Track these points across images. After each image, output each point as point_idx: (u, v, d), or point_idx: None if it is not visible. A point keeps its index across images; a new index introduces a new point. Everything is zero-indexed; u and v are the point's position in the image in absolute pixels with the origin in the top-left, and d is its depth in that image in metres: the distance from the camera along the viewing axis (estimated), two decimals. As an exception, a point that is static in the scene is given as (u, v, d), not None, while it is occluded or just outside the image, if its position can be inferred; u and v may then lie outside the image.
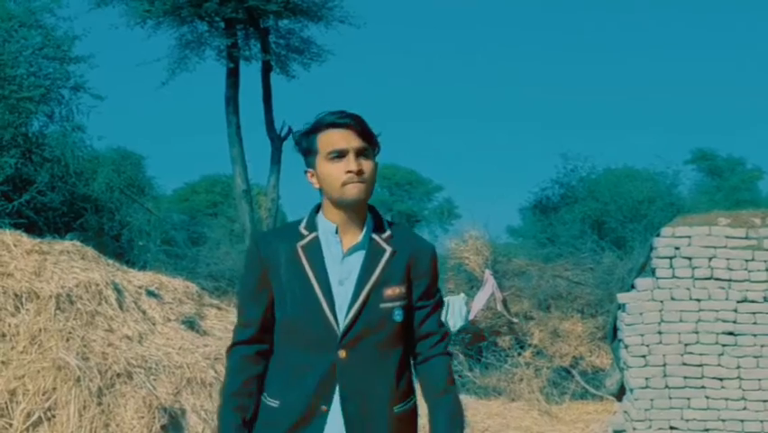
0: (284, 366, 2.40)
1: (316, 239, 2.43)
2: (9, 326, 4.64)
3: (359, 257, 2.42)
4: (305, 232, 2.45)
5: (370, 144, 2.43)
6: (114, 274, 5.87)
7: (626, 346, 6.93)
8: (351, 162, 2.36)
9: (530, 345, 11.22)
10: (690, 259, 6.82)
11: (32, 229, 9.20)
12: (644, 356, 6.79)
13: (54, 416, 4.28)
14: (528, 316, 11.62)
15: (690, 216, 7.38)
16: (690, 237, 6.84)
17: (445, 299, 10.71)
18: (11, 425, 4.16)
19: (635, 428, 6.74)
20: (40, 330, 4.70)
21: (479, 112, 61.57)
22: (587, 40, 59.12)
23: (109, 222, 14.50)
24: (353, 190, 2.37)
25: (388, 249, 2.43)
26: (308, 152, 2.45)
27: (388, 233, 2.47)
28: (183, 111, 57.20)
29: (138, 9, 15.84)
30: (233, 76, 17.22)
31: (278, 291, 2.40)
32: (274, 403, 2.39)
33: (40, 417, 4.23)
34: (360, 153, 2.40)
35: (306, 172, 2.50)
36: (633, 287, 7.03)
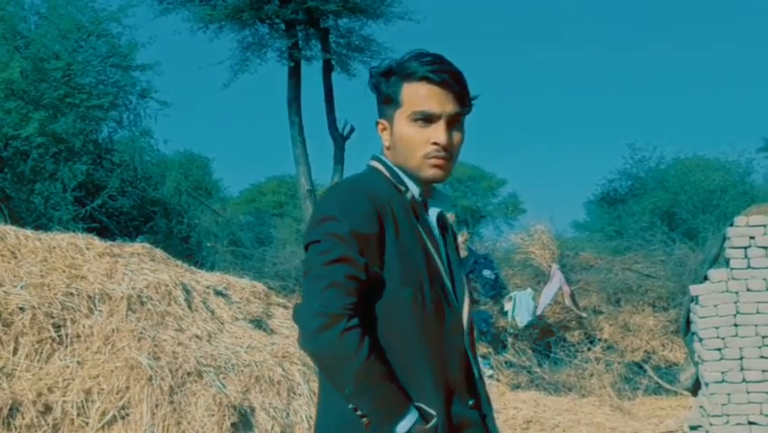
0: (413, 358, 1.86)
1: (413, 197, 1.96)
2: (83, 327, 4.77)
3: (439, 230, 2.01)
4: (401, 187, 1.96)
5: (464, 107, 1.96)
6: (182, 275, 5.98)
7: (701, 340, 6.74)
8: (440, 132, 1.90)
9: (600, 340, 11.02)
10: (765, 248, 6.59)
11: (104, 233, 9.48)
12: (719, 350, 6.59)
13: (128, 414, 4.37)
14: (597, 310, 11.42)
15: (764, 204, 7.12)
16: (765, 226, 6.60)
17: (512, 294, 10.61)
18: (87, 423, 4.27)
19: (711, 424, 6.55)
20: (112, 331, 4.81)
21: (540, 104, 60.83)
22: (649, 26, 57.81)
23: (178, 225, 14.83)
24: (435, 168, 1.93)
25: (450, 224, 2.09)
26: (387, 101, 1.97)
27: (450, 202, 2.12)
28: (247, 113, 58.04)
29: (200, 14, 16.15)
30: (294, 76, 17.40)
31: (397, 258, 1.85)
32: None
33: (114, 415, 4.33)
34: (452, 121, 1.93)
35: (377, 123, 2.03)
36: (706, 278, 6.83)
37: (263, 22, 17.12)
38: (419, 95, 1.91)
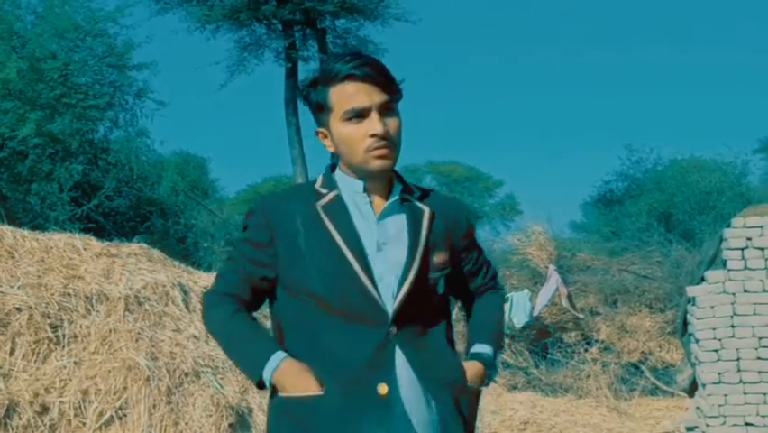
0: (316, 349, 1.95)
1: (339, 198, 2.02)
2: (81, 327, 4.75)
3: (396, 220, 2.02)
4: (323, 190, 2.04)
5: (394, 96, 2.00)
6: (179, 275, 5.96)
7: (698, 341, 6.75)
8: (375, 123, 1.95)
9: (597, 341, 11.02)
10: (762, 250, 6.60)
11: (100, 233, 9.45)
12: (716, 351, 6.60)
13: (125, 415, 4.36)
14: (594, 311, 11.42)
15: (761, 206, 7.14)
16: (762, 227, 6.61)
17: (509, 296, 10.57)
18: (84, 424, 4.26)
19: (708, 425, 6.56)
20: (110, 331, 4.80)
21: (537, 105, 60.90)
22: (646, 27, 57.89)
23: (174, 225, 14.81)
24: (379, 160, 1.97)
25: (426, 209, 2.05)
26: (319, 108, 2.03)
27: (417, 193, 2.08)
28: (244, 113, 58.03)
29: (197, 14, 16.16)
30: (291, 77, 17.40)
31: (296, 265, 1.97)
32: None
33: (111, 416, 4.32)
34: (384, 110, 1.97)
35: (317, 133, 2.09)
36: (703, 280, 6.83)
37: (260, 22, 17.13)
38: (347, 93, 1.96)
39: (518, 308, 10.40)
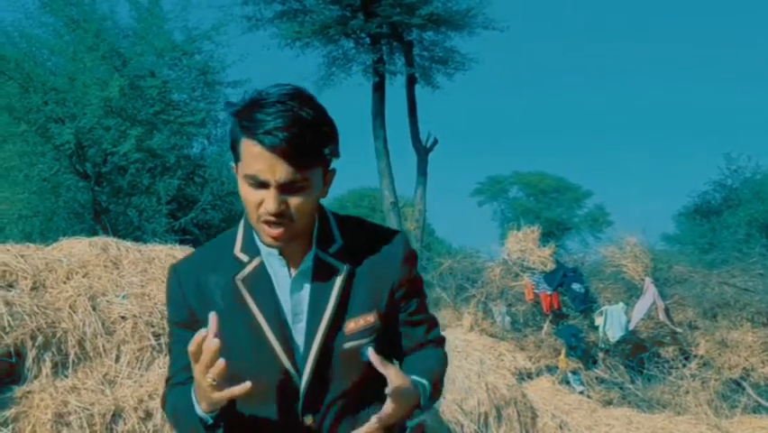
0: (237, 424, 1.79)
1: (261, 267, 1.82)
2: (181, 336, 4.88)
3: (307, 287, 1.82)
4: (243, 257, 1.83)
5: (306, 170, 1.71)
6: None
7: (808, 357, 6.45)
8: (269, 200, 1.69)
9: (696, 356, 10.64)
10: None
11: (195, 245, 9.70)
12: (828, 368, 6.29)
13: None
14: (693, 325, 11.02)
15: None
16: None
17: (603, 309, 10.33)
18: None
19: (820, 446, 6.25)
20: (209, 340, 4.90)
21: (627, 113, 59.54)
22: (743, 34, 55.91)
23: (265, 237, 15.07)
24: (269, 235, 1.74)
25: (344, 268, 1.83)
26: (232, 146, 1.76)
27: (338, 244, 1.86)
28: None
29: (288, 31, 16.48)
30: (378, 90, 17.54)
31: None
32: None
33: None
34: (287, 187, 1.70)
35: (232, 166, 1.81)
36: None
37: (348, 37, 17.36)
38: (252, 154, 1.68)
39: (613, 322, 10.14)
